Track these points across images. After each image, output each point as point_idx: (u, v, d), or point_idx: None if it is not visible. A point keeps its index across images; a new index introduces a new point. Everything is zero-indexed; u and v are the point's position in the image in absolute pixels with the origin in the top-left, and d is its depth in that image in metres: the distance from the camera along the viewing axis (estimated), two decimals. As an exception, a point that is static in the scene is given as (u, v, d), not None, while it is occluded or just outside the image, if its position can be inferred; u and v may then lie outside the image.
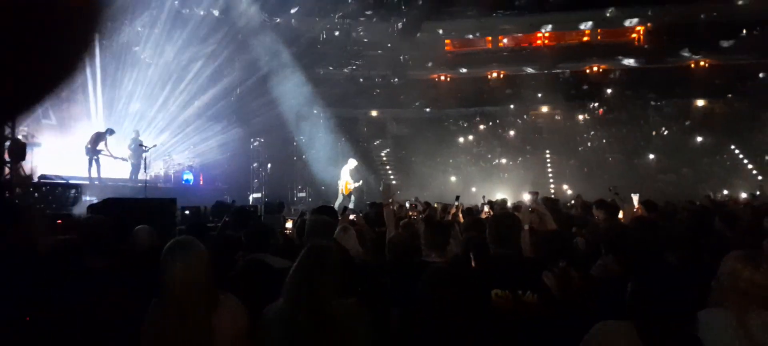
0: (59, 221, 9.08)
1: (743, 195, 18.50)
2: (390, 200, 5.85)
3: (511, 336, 3.09)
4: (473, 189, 22.68)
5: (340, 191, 15.75)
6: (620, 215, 6.75)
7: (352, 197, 15.54)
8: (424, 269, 3.02)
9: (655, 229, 4.15)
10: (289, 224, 6.94)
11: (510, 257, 3.38)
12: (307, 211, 8.14)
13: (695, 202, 12.23)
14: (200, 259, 2.75)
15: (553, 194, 21.37)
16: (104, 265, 3.51)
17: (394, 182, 25.25)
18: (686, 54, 28.40)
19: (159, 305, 2.77)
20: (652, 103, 29.26)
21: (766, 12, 25.71)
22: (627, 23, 29.40)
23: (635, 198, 7.67)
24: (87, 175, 14.54)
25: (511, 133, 30.39)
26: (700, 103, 29.65)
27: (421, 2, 26.13)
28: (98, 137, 14.92)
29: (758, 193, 18.37)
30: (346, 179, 15.71)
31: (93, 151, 14.75)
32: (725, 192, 20.63)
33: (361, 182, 16.12)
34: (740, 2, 26.20)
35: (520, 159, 28.11)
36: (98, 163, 14.86)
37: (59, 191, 11.86)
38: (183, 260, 2.70)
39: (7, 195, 10.39)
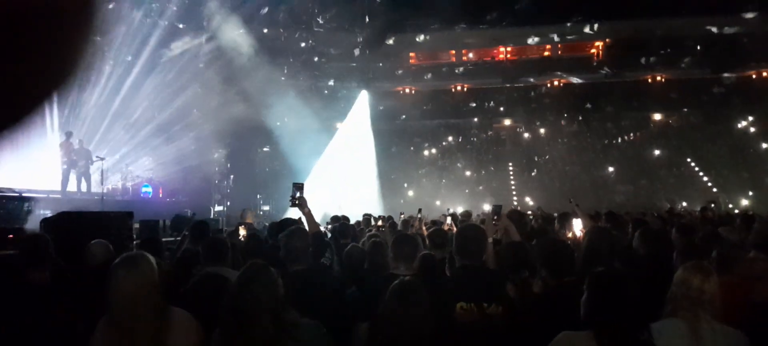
0: (10, 236, 8.76)
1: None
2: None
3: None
4: (437, 202, 22.77)
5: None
6: (579, 227, 6.79)
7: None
8: (391, 282, 2.99)
9: (606, 240, 4.18)
10: (242, 231, 6.85)
11: (474, 268, 3.38)
12: (267, 225, 8.03)
13: (646, 213, 12.50)
14: (147, 274, 2.64)
15: (517, 205, 21.63)
16: (46, 280, 3.43)
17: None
18: (644, 69, 29.22)
19: (106, 321, 2.67)
20: (611, 116, 30.00)
21: (719, 29, 26.73)
22: (586, 39, 30.10)
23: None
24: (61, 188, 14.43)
25: (475, 145, 30.71)
26: (657, 116, 30.54)
27: (385, 15, 26.25)
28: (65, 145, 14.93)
29: (713, 205, 18.83)
30: None
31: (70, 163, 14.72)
32: (684, 204, 21.19)
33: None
34: (695, 19, 27.14)
35: (483, 171, 28.42)
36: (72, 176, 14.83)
37: (11, 204, 11.45)
38: (128, 275, 2.60)
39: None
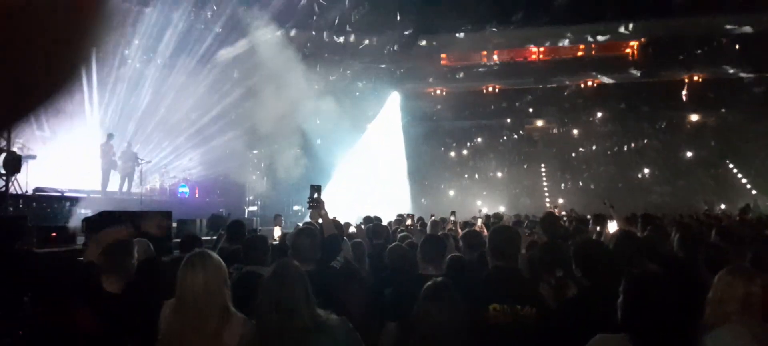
0: (54, 234, 9.08)
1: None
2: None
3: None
4: (478, 202, 22.69)
5: None
6: (614, 229, 6.72)
7: None
8: (421, 282, 3.02)
9: (632, 243, 4.13)
10: (277, 232, 7.02)
11: (508, 270, 3.38)
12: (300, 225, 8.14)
13: (683, 215, 12.29)
14: (219, 272, 2.79)
15: (550, 207, 21.41)
16: (118, 289, 3.36)
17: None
18: (679, 68, 28.60)
19: (175, 312, 2.80)
20: (646, 116, 29.44)
21: (757, 27, 26.02)
22: (621, 38, 29.62)
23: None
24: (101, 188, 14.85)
25: (507, 146, 30.49)
26: (694, 117, 29.85)
27: (416, 16, 26.27)
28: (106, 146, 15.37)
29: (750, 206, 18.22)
30: None
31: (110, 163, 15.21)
32: (722, 206, 20.62)
33: None
34: (732, 16, 26.46)
35: (516, 172, 28.19)
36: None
37: (54, 204, 11.83)
38: (203, 271, 2.74)
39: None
